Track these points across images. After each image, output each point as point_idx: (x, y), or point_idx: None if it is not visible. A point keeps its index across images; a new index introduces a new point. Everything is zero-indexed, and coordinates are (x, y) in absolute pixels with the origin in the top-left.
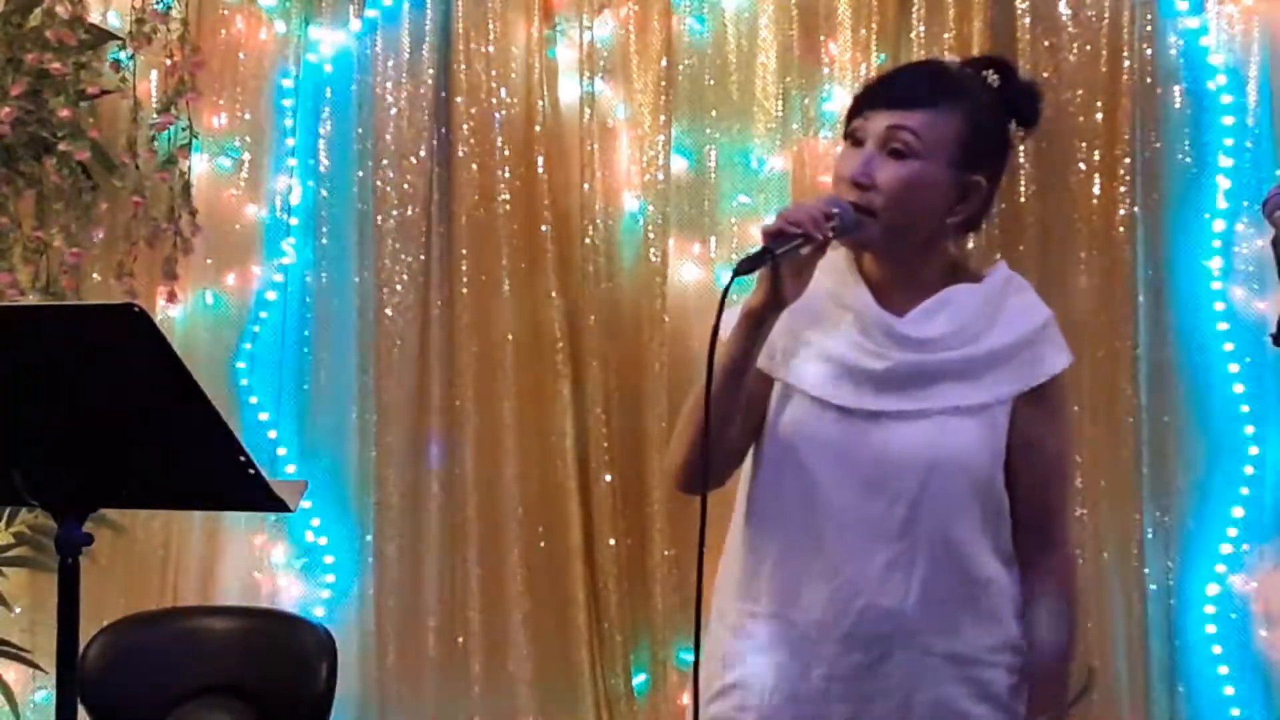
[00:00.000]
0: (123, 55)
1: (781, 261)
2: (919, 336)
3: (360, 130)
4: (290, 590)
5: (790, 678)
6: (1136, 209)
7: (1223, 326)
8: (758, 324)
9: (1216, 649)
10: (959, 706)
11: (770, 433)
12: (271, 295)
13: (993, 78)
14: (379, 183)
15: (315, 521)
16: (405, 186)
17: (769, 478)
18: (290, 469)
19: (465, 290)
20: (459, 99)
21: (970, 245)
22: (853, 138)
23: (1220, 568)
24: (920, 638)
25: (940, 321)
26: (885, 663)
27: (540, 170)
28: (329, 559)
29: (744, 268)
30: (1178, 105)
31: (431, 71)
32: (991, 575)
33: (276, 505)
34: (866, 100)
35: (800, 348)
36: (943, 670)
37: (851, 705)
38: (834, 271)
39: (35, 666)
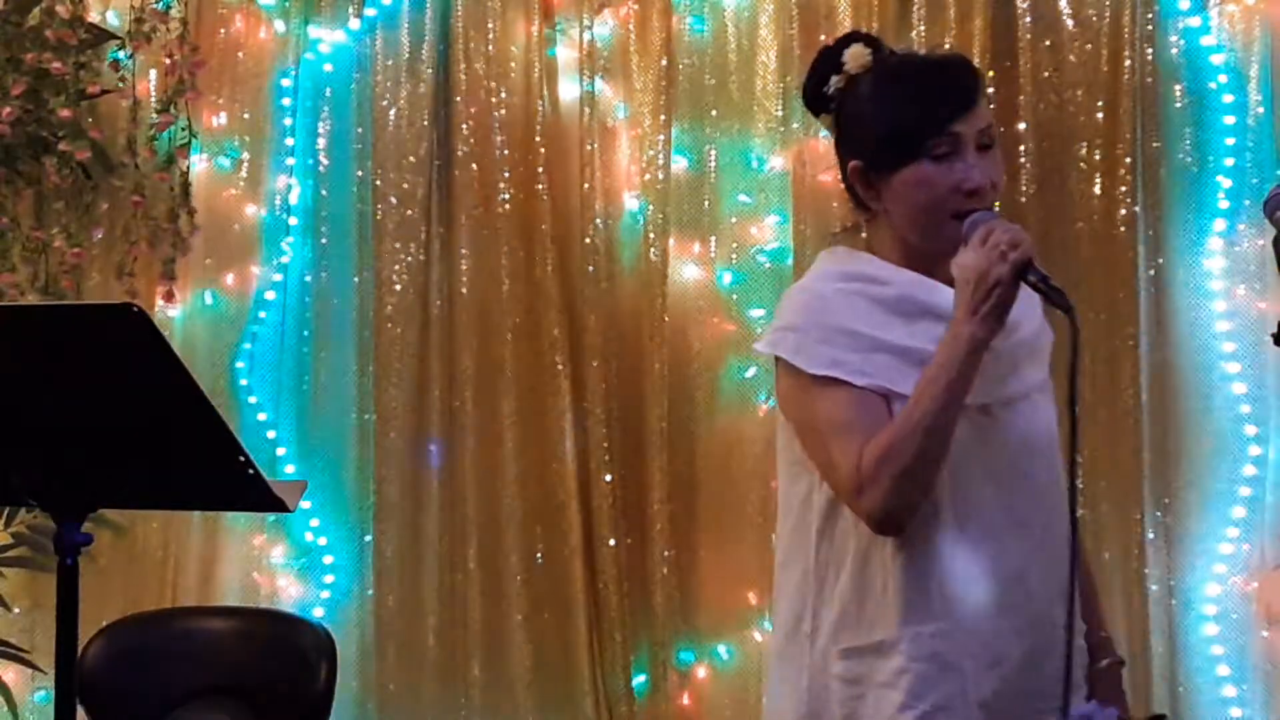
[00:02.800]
0: (122, 55)
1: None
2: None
3: (360, 130)
4: (290, 590)
5: (983, 686)
6: (1137, 208)
7: (1223, 326)
8: (981, 351)
9: (1217, 650)
10: (1077, 692)
11: None
12: (271, 295)
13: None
14: (379, 183)
15: (315, 522)
16: (405, 186)
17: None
18: (289, 469)
19: (465, 290)
20: (459, 98)
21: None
22: (936, 153)
23: (1221, 568)
24: (1058, 616)
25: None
26: (1059, 642)
27: (540, 170)
28: (328, 559)
29: (1059, 300)
30: (1178, 105)
31: (431, 71)
32: (1077, 545)
33: (276, 505)
34: (945, 113)
35: (897, 359)
36: (1078, 657)
37: (1039, 690)
38: (881, 276)
39: (34, 667)
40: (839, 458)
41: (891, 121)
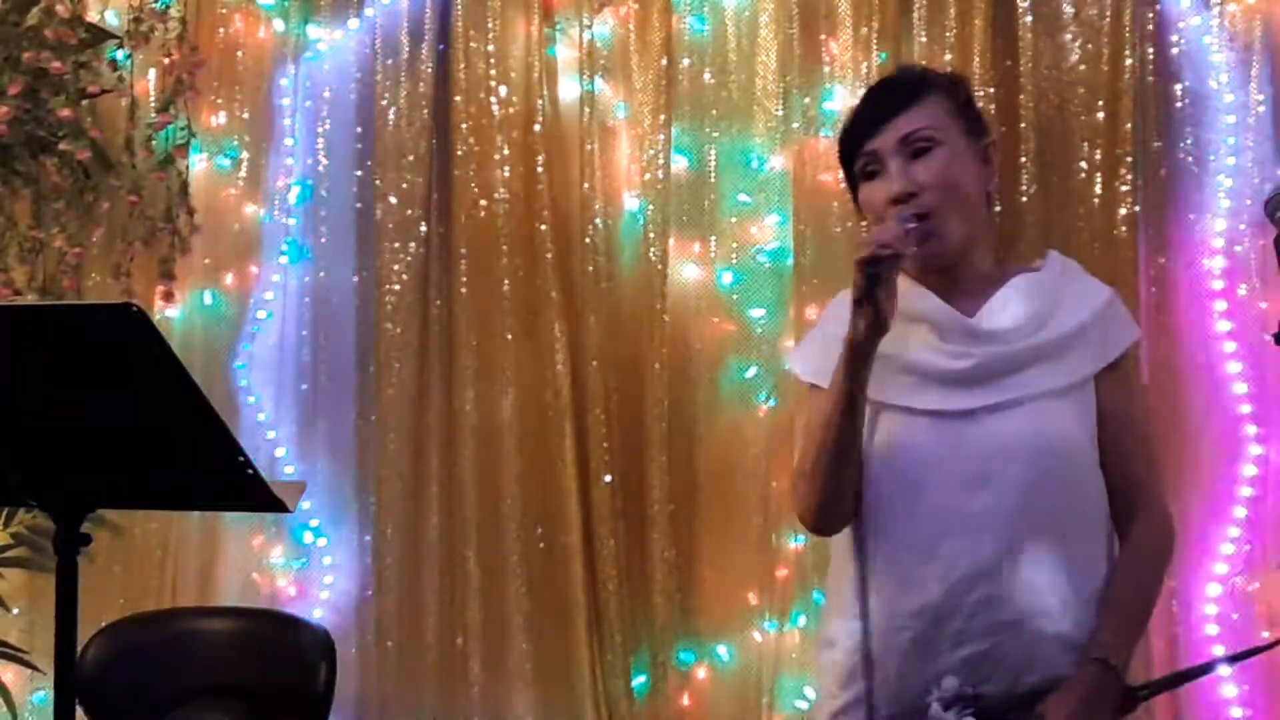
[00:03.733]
0: (121, 54)
1: (880, 285)
2: (996, 329)
3: (359, 129)
4: (289, 590)
5: (908, 685)
6: (1138, 208)
7: (1224, 326)
8: (866, 354)
9: (1217, 650)
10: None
11: (868, 454)
12: (270, 295)
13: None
14: (378, 182)
15: (314, 522)
16: (404, 186)
17: (873, 498)
18: (289, 469)
19: (465, 290)
20: (458, 98)
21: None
22: (864, 172)
23: (1222, 568)
24: (1034, 622)
25: (1012, 311)
26: (1000, 649)
27: (540, 170)
28: (328, 559)
29: (866, 300)
30: (1179, 104)
31: (430, 70)
32: (1099, 555)
33: (275, 506)
34: (858, 134)
35: (879, 366)
36: (1055, 652)
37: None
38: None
39: (33, 667)
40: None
41: (840, 152)
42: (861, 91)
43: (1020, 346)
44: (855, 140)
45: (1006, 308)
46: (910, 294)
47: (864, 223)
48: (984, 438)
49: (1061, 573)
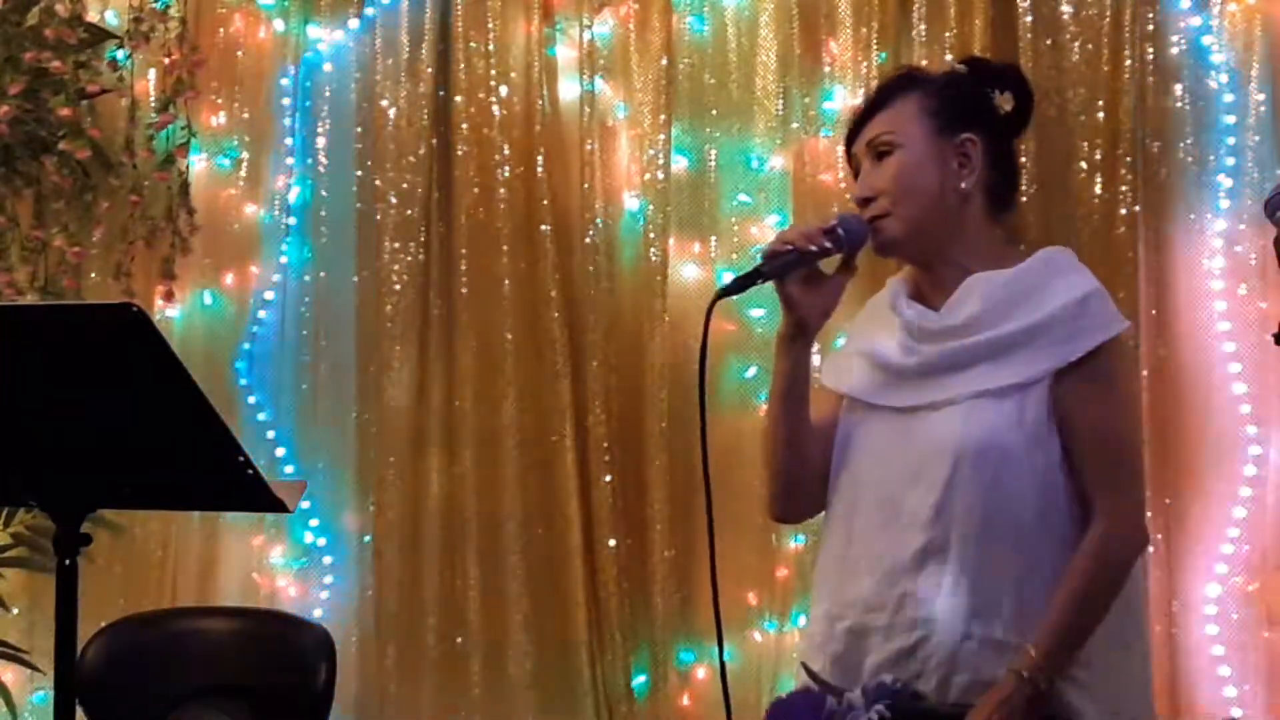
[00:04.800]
0: (121, 54)
1: (787, 281)
2: (943, 326)
3: (359, 129)
4: (289, 590)
5: (844, 669)
6: (1138, 208)
7: (1224, 326)
8: (787, 347)
9: (1218, 650)
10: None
11: (834, 444)
12: (270, 295)
13: (959, 66)
14: (378, 182)
15: (314, 522)
16: (404, 186)
17: (833, 485)
18: (289, 469)
19: (465, 290)
20: (458, 98)
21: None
22: (856, 175)
23: (1221, 568)
24: (957, 623)
25: (967, 308)
26: (924, 645)
27: (540, 169)
28: (328, 559)
29: (732, 288)
30: (1179, 104)
31: (430, 70)
32: (1042, 559)
33: (275, 506)
34: (847, 139)
35: (854, 360)
36: (982, 654)
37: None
38: (892, 287)
39: (33, 667)
40: None
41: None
42: (862, 92)
43: (966, 344)
44: (848, 143)
45: (963, 305)
46: (898, 295)
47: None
48: (922, 435)
49: (993, 576)
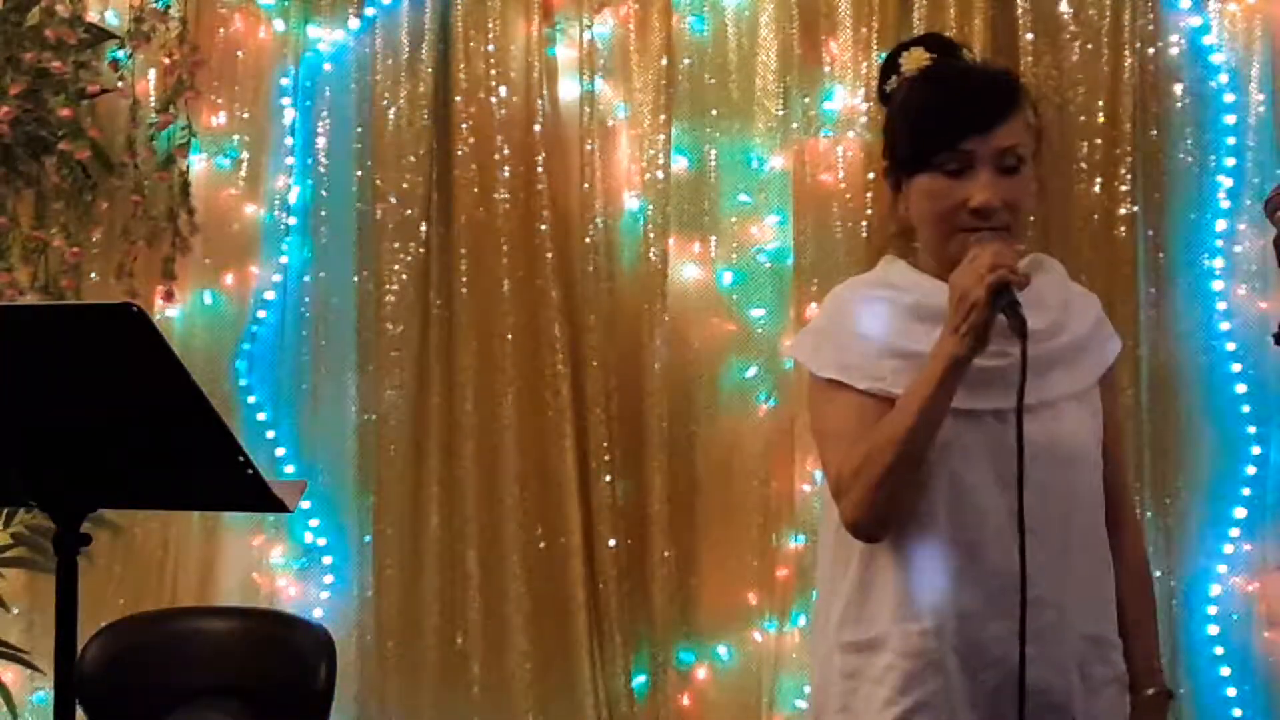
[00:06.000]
0: (121, 54)
1: (998, 310)
2: (1031, 329)
3: (359, 129)
4: (289, 590)
5: (967, 686)
6: (1137, 208)
7: (1225, 326)
8: (960, 371)
9: (1219, 650)
10: (1101, 689)
11: None
12: (270, 295)
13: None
14: (378, 182)
15: (314, 522)
16: (404, 186)
17: (926, 494)
18: (289, 469)
19: (465, 290)
20: (458, 98)
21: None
22: (945, 167)
23: (1222, 568)
24: (1073, 625)
25: (1035, 314)
26: (1048, 653)
27: (540, 170)
28: (328, 559)
29: (1019, 327)
30: (1179, 104)
31: (430, 70)
32: (1109, 557)
33: (275, 505)
34: (959, 129)
35: (907, 364)
36: (1090, 653)
37: (1030, 699)
38: (907, 284)
39: (33, 667)
40: (831, 460)
41: (910, 129)
42: (862, 91)
43: (1047, 348)
44: (951, 135)
45: (1032, 311)
46: (938, 290)
47: (869, 212)
48: (1023, 438)
49: (1095, 575)
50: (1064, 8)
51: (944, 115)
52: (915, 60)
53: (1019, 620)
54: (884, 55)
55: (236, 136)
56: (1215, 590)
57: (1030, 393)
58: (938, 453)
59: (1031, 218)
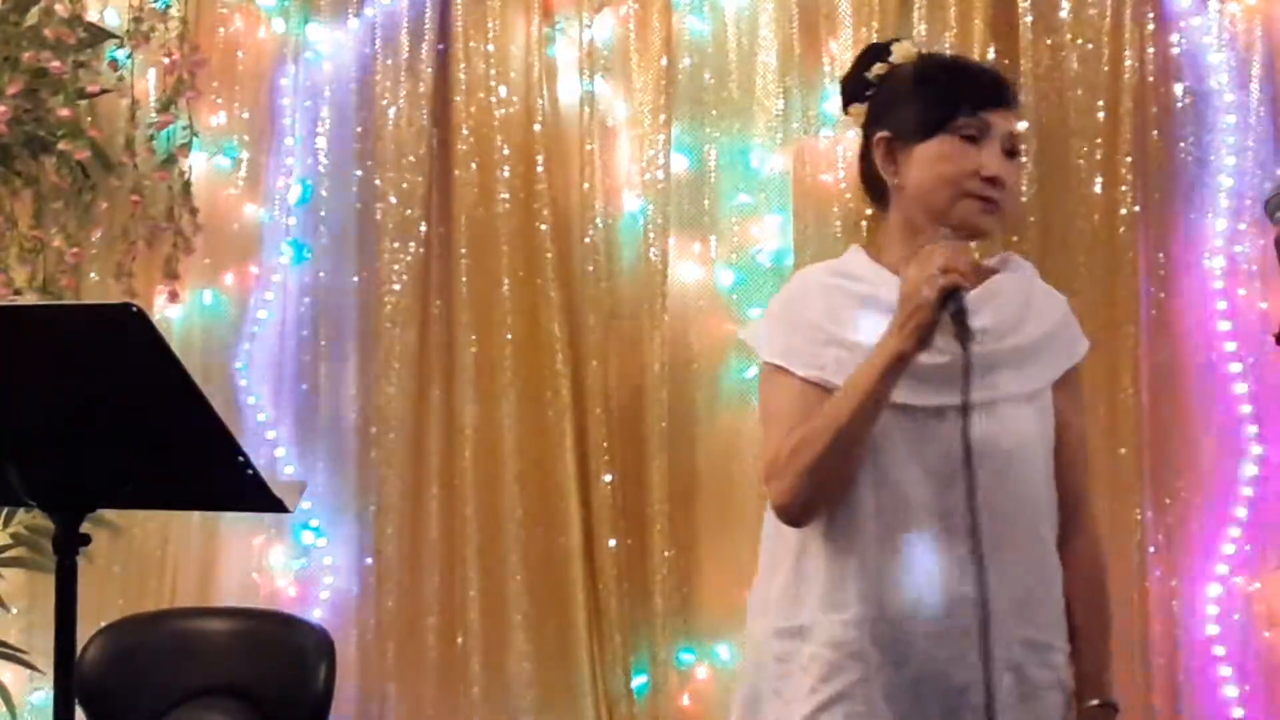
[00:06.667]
0: (121, 54)
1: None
2: (974, 327)
3: (359, 130)
4: (289, 591)
5: (888, 678)
6: (1137, 208)
7: (1224, 326)
8: (900, 366)
9: (1219, 650)
10: (1039, 693)
11: None
12: (270, 295)
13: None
14: (378, 182)
15: (314, 522)
16: (405, 186)
17: (855, 487)
18: (289, 469)
19: (465, 290)
20: (458, 98)
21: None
22: (961, 134)
23: (1222, 568)
24: (1004, 626)
25: (988, 312)
26: (972, 653)
27: (540, 170)
28: (328, 559)
29: (963, 336)
30: (1179, 104)
31: (430, 70)
32: (1055, 561)
33: (275, 506)
34: (982, 97)
35: (850, 354)
36: (1026, 656)
37: (947, 698)
38: (862, 274)
39: (32, 667)
40: (768, 444)
41: (932, 94)
42: None
43: (992, 349)
44: (976, 101)
45: (983, 308)
46: (889, 284)
47: (869, 212)
48: (951, 437)
49: (1031, 578)
50: (1064, 8)
51: (972, 81)
52: (905, 51)
53: (951, 619)
54: None
55: (236, 136)
56: (1215, 590)
57: (973, 390)
58: (871, 445)
59: (1032, 218)
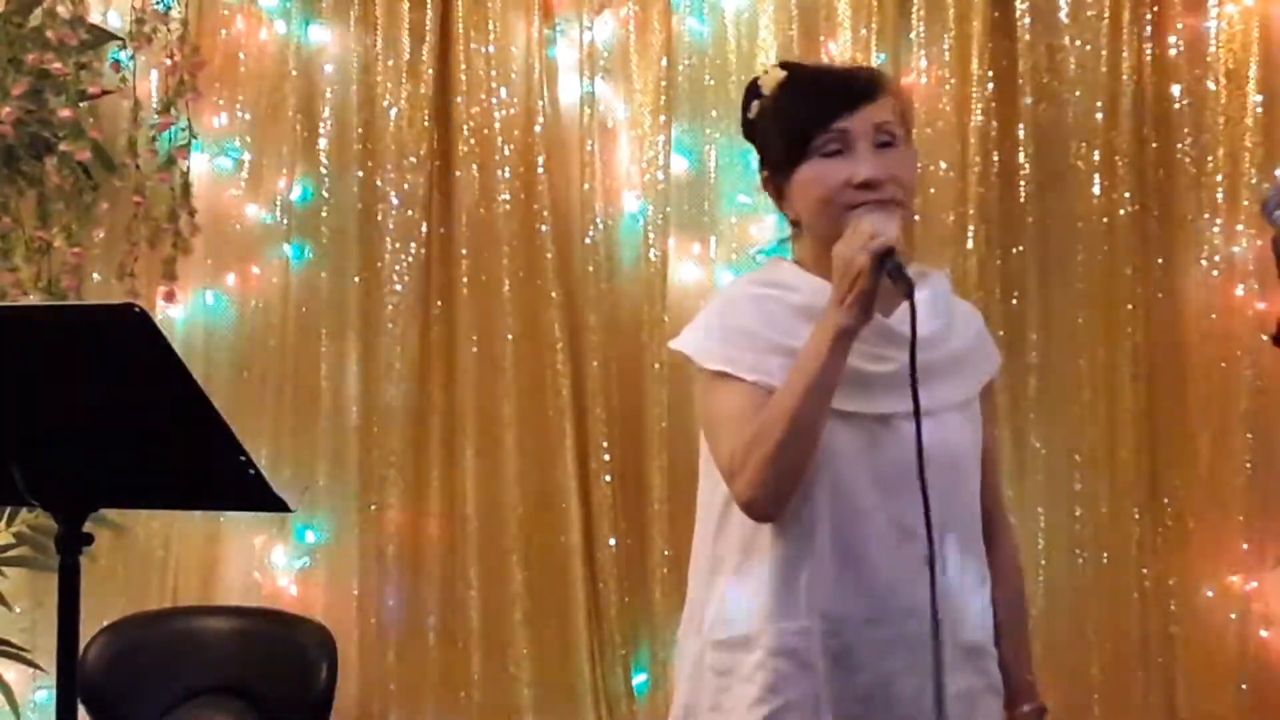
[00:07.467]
0: (123, 55)
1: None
2: (921, 336)
3: (360, 130)
4: (290, 590)
5: (838, 689)
6: (1136, 208)
7: (1224, 326)
8: (847, 343)
9: (1218, 649)
10: (976, 698)
11: None
12: (270, 295)
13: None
14: (379, 183)
15: (315, 522)
16: (405, 186)
17: (805, 492)
18: (290, 470)
19: (465, 290)
20: (459, 99)
21: (970, 245)
22: (823, 150)
23: (1222, 568)
24: (950, 634)
25: (927, 319)
26: (923, 661)
27: (540, 170)
28: (329, 559)
29: (905, 288)
30: (1179, 104)
31: (431, 71)
32: (985, 568)
33: (276, 505)
34: (827, 111)
35: (791, 361)
36: (966, 663)
37: (897, 707)
38: (795, 284)
39: (35, 666)
40: (723, 446)
41: (786, 124)
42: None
43: (930, 357)
44: (825, 115)
45: (929, 317)
46: (823, 291)
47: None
48: (899, 444)
49: (971, 583)
50: (1063, 8)
51: (812, 101)
52: (772, 78)
53: (904, 627)
54: (884, 57)
55: (237, 137)
56: (1215, 590)
57: (908, 399)
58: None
59: (1031, 218)
